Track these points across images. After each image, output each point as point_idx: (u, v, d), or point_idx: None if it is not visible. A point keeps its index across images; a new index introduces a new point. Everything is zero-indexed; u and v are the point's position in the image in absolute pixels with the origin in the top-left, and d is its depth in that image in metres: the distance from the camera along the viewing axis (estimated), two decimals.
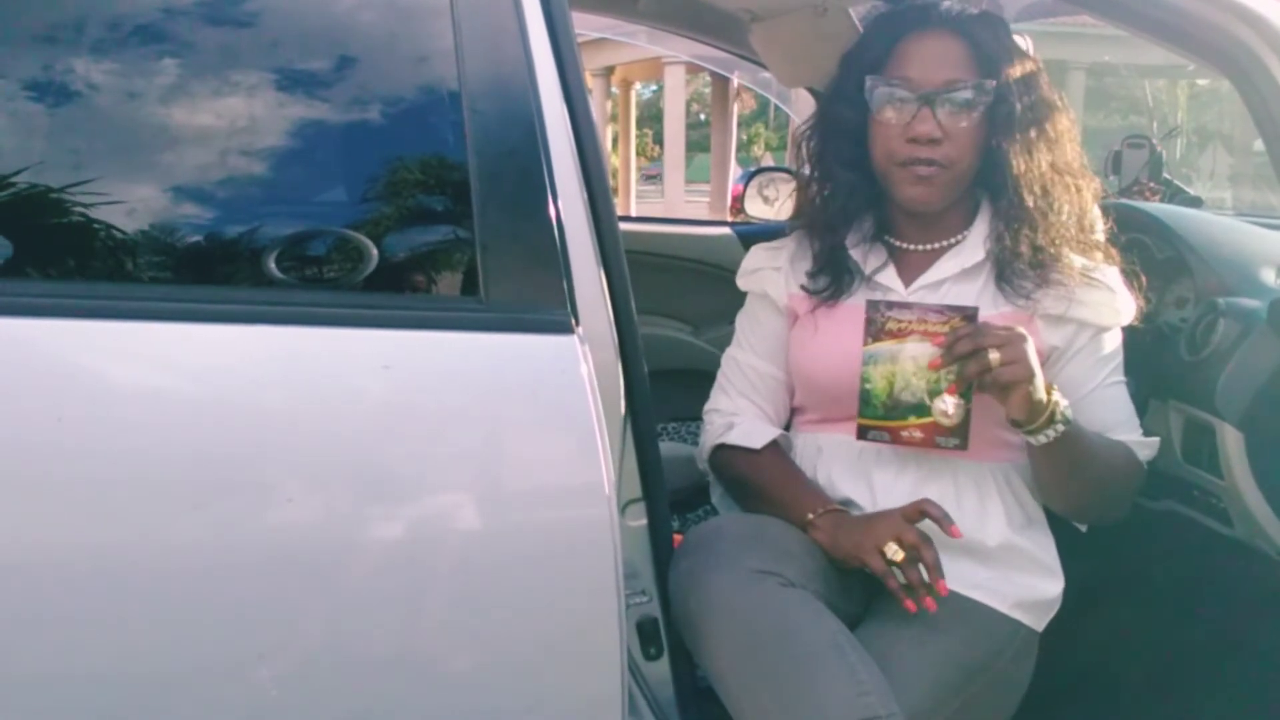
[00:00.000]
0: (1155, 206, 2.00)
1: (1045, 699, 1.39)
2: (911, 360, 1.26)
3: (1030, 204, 1.33)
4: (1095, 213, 1.40)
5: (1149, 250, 1.70)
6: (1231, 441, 1.47)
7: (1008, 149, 1.33)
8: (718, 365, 1.54)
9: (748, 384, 1.48)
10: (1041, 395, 1.21)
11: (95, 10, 1.09)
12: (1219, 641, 1.67)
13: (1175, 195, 2.47)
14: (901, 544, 1.23)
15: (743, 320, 1.52)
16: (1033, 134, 1.33)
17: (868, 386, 1.29)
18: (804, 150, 1.47)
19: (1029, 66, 1.36)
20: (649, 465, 1.21)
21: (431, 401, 1.07)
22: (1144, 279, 1.41)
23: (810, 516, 1.32)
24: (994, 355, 1.19)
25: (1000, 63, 1.33)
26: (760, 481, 1.42)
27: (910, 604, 1.23)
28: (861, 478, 1.37)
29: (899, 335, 1.26)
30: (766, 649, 1.17)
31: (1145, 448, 1.37)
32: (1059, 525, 1.42)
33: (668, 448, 1.36)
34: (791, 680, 1.15)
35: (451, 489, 1.07)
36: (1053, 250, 1.33)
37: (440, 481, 1.06)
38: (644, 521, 1.24)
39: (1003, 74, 1.32)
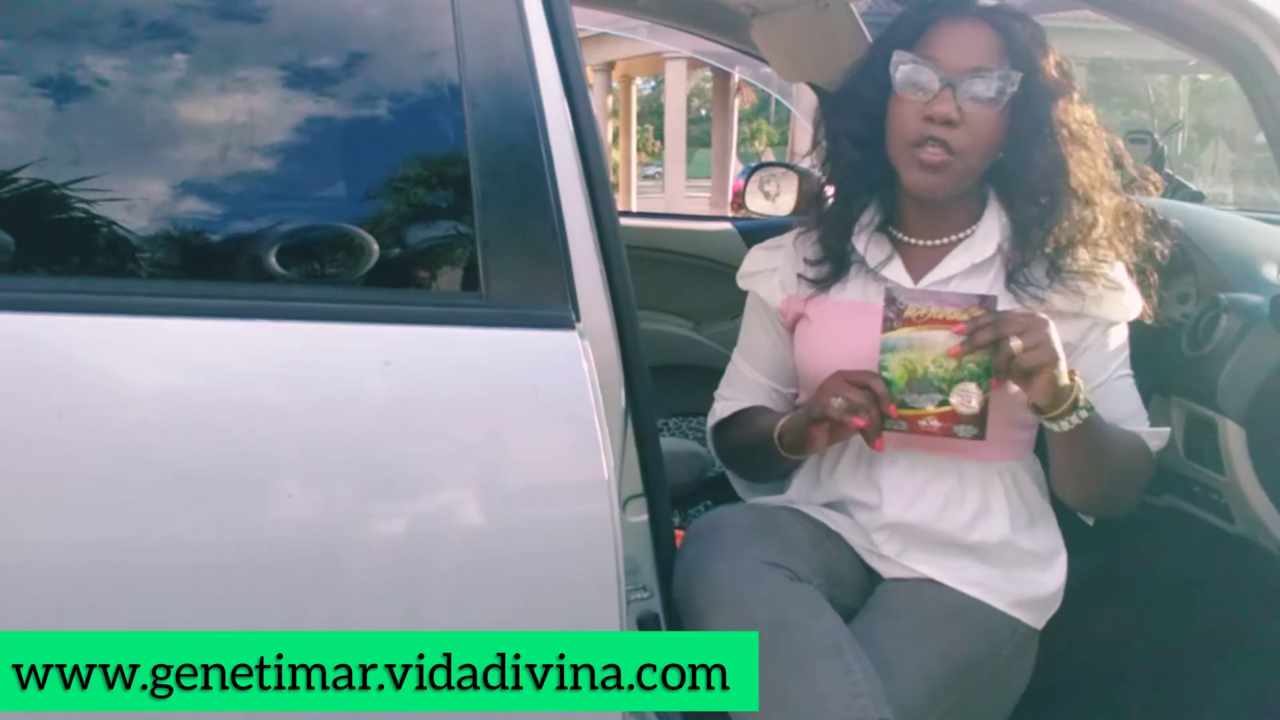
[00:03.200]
0: (1157, 202, 1.99)
1: (1045, 695, 1.39)
2: (931, 348, 1.23)
3: (1046, 205, 1.32)
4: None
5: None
6: (1233, 437, 1.47)
7: (1028, 146, 1.31)
8: (719, 360, 1.55)
9: (743, 389, 1.51)
10: (1065, 380, 1.21)
11: (97, 6, 1.09)
12: (1220, 638, 1.67)
13: (1177, 191, 2.46)
14: (849, 402, 1.25)
15: (743, 325, 1.54)
16: (1056, 135, 1.32)
17: (886, 375, 1.25)
18: (819, 131, 1.45)
19: (1061, 70, 1.34)
20: (650, 461, 1.20)
21: (432, 397, 1.07)
22: (1154, 277, 1.40)
23: (778, 427, 1.36)
24: (1016, 342, 1.19)
25: (1032, 60, 1.31)
26: (738, 438, 1.47)
27: (878, 444, 1.26)
28: (868, 477, 1.37)
29: (917, 323, 1.23)
30: (765, 642, 1.17)
31: (1156, 438, 1.37)
32: (1060, 522, 1.42)
33: (669, 443, 1.37)
34: (788, 676, 1.15)
35: (452, 484, 1.07)
36: (1062, 250, 1.32)
37: (441, 477, 1.06)
38: (645, 517, 1.23)
39: (1031, 71, 1.31)
